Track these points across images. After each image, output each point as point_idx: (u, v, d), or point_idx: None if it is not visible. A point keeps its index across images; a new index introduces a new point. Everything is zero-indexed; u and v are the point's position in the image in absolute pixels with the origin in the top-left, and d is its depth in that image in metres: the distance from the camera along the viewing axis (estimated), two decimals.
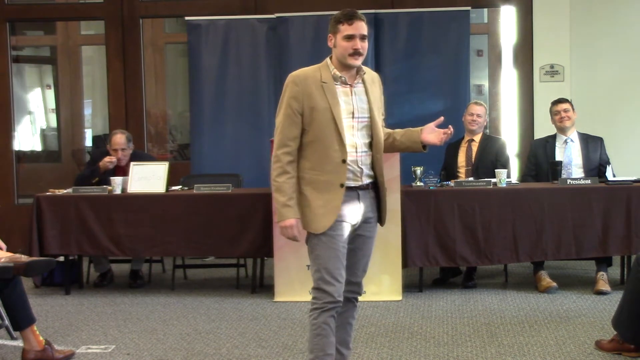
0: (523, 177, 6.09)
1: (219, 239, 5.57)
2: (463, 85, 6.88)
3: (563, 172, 5.67)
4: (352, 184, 3.15)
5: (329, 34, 3.17)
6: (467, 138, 5.99)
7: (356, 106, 3.15)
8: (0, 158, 7.78)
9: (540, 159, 5.91)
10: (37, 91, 9.68)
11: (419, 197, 5.38)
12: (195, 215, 5.57)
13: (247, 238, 5.49)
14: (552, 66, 7.13)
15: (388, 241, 5.17)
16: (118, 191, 5.70)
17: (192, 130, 7.18)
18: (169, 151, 8.97)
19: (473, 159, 5.91)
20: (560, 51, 7.11)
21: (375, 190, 3.24)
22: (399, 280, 5.31)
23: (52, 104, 9.52)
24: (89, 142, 9.19)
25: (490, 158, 5.87)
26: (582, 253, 5.42)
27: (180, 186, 6.01)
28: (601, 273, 5.40)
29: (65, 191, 5.81)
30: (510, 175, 5.78)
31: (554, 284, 5.38)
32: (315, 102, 3.10)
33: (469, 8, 6.89)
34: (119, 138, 6.04)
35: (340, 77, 3.15)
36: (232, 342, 4.38)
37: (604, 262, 5.48)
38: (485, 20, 8.67)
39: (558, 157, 5.81)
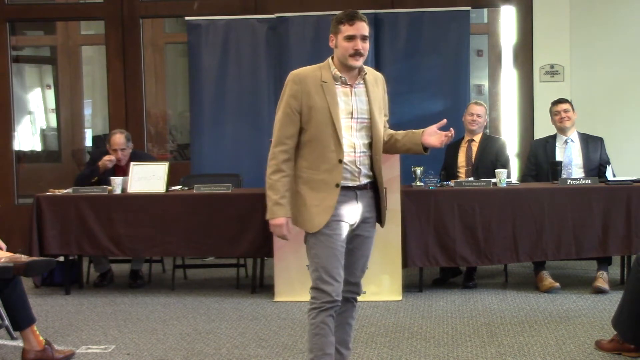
0: (523, 177, 6.09)
1: (219, 239, 5.57)
2: (463, 85, 6.88)
3: (563, 172, 5.67)
4: (349, 183, 3.15)
5: (330, 35, 3.17)
6: (467, 138, 5.99)
7: (355, 107, 3.15)
8: (0, 158, 7.79)
9: (540, 159, 5.91)
10: (37, 91, 9.68)
11: (419, 197, 5.38)
12: (195, 215, 5.57)
13: (247, 238, 5.49)
14: (552, 66, 7.13)
15: (388, 241, 5.17)
16: (118, 191, 5.70)
17: (192, 130, 7.18)
18: (169, 151, 8.97)
19: (473, 159, 5.91)
20: (560, 51, 7.11)
21: (375, 190, 3.24)
22: (399, 280, 5.31)
23: (52, 104, 9.52)
24: (89, 142, 9.19)
25: (490, 158, 5.87)
26: (582, 253, 5.42)
27: (180, 186, 6.01)
28: (601, 272, 5.41)
29: (65, 191, 5.81)
30: (510, 175, 5.78)
31: (557, 284, 5.38)
32: (314, 101, 3.10)
33: (469, 8, 6.89)
34: (119, 138, 6.04)
35: (341, 77, 3.15)
36: (232, 342, 4.38)
37: (605, 262, 5.49)
38: (485, 20, 8.67)
39: (558, 157, 5.81)
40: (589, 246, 5.35)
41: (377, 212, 3.28)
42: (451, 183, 5.58)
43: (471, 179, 5.65)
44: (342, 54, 3.12)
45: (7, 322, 4.28)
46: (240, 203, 5.55)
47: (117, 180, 5.71)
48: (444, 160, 6.09)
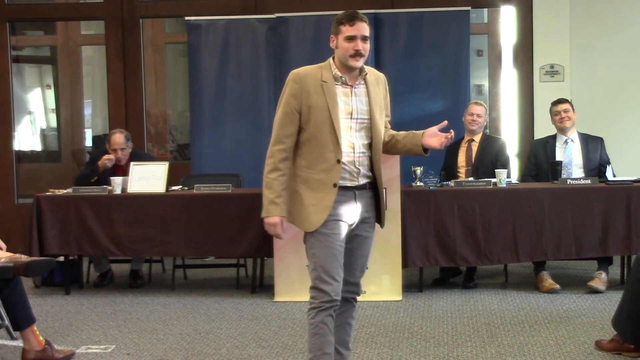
0: (523, 177, 6.09)
1: (219, 239, 5.57)
2: (463, 85, 6.87)
3: (563, 172, 5.67)
4: (348, 184, 3.15)
5: (331, 35, 3.18)
6: (467, 138, 5.99)
7: (355, 107, 3.15)
8: (0, 158, 7.79)
9: (540, 159, 5.91)
10: (37, 91, 9.68)
11: (419, 197, 5.38)
12: (195, 215, 5.57)
13: (247, 238, 5.49)
14: (552, 66, 7.13)
15: (388, 241, 5.17)
16: (118, 191, 5.70)
17: (192, 130, 7.17)
18: (169, 151, 8.97)
19: (473, 159, 5.91)
20: (560, 51, 7.11)
21: (374, 190, 3.24)
22: (399, 280, 5.31)
23: (52, 104, 9.52)
24: (89, 142, 9.19)
25: (490, 158, 5.87)
26: (582, 253, 5.42)
27: (180, 186, 6.01)
28: (599, 272, 5.41)
29: (65, 191, 5.81)
30: (510, 175, 5.78)
31: (557, 286, 5.38)
32: (314, 100, 3.10)
33: (469, 8, 6.89)
34: (118, 138, 6.04)
35: (342, 77, 3.15)
36: (232, 342, 4.38)
37: (605, 262, 5.49)
38: (485, 20, 8.67)
39: (558, 157, 5.81)
40: (589, 246, 5.35)
41: (377, 213, 3.28)
42: (451, 183, 5.58)
43: (471, 179, 5.65)
44: (342, 55, 3.12)
45: (7, 322, 4.28)
46: (240, 203, 5.55)
47: (117, 180, 5.71)
48: (444, 160, 6.09)
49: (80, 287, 5.93)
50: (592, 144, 5.84)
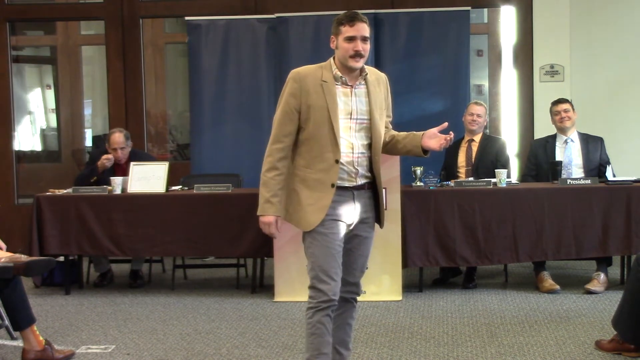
0: (523, 177, 6.09)
1: (219, 239, 5.57)
2: (463, 85, 6.88)
3: (563, 172, 5.67)
4: (346, 184, 3.15)
5: (332, 35, 3.18)
6: (467, 138, 5.99)
7: (355, 107, 3.15)
8: (0, 158, 7.79)
9: (540, 159, 5.91)
10: (37, 91, 9.68)
11: (419, 197, 5.38)
12: (195, 215, 5.57)
13: (247, 238, 5.49)
14: (552, 66, 7.13)
15: (388, 241, 5.17)
16: (118, 191, 5.70)
17: (192, 130, 7.18)
18: (169, 151, 8.97)
19: (473, 159, 5.91)
20: (560, 51, 7.11)
21: (373, 191, 3.24)
22: (399, 280, 5.31)
23: (52, 104, 9.52)
24: (89, 142, 9.19)
25: (490, 158, 5.87)
26: (582, 253, 5.42)
27: (180, 186, 6.01)
28: (598, 273, 5.41)
29: (65, 191, 5.81)
30: (510, 175, 5.78)
31: (557, 286, 5.37)
32: (313, 100, 3.10)
33: (469, 8, 6.89)
34: (118, 137, 6.04)
35: (342, 77, 3.15)
36: (232, 342, 4.38)
37: (604, 262, 5.49)
38: (485, 20, 8.67)
39: (558, 157, 5.81)
40: (589, 246, 5.35)
41: (376, 213, 3.28)
42: (451, 183, 5.58)
43: (471, 179, 5.65)
44: (342, 55, 3.12)
45: (7, 322, 4.28)
46: (240, 203, 5.55)
47: (117, 180, 5.71)
48: (444, 160, 6.09)
49: (80, 287, 5.93)
50: (592, 144, 5.84)
